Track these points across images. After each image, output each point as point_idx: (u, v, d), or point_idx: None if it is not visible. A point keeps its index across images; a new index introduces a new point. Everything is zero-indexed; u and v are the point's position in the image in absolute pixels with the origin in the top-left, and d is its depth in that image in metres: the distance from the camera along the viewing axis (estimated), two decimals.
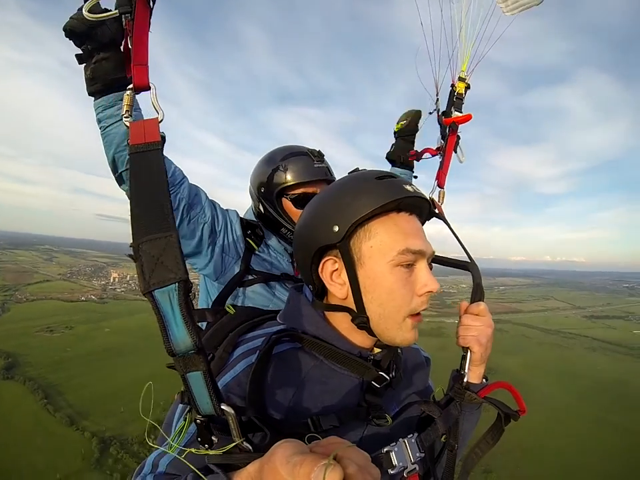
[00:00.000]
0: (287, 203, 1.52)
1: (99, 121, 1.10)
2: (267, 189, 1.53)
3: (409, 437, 0.81)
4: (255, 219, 1.64)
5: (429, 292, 0.81)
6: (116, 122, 1.08)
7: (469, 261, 1.03)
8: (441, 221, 1.15)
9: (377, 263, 0.79)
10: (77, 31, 0.88)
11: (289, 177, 1.49)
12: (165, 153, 0.96)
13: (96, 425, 47.18)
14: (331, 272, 0.83)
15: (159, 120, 0.68)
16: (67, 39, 0.92)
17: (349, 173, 0.91)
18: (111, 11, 0.80)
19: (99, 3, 0.83)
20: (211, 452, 0.60)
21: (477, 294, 0.98)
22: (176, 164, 1.38)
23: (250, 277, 1.49)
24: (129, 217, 0.57)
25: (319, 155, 1.54)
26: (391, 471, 0.76)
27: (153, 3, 0.74)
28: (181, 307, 0.53)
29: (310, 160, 1.51)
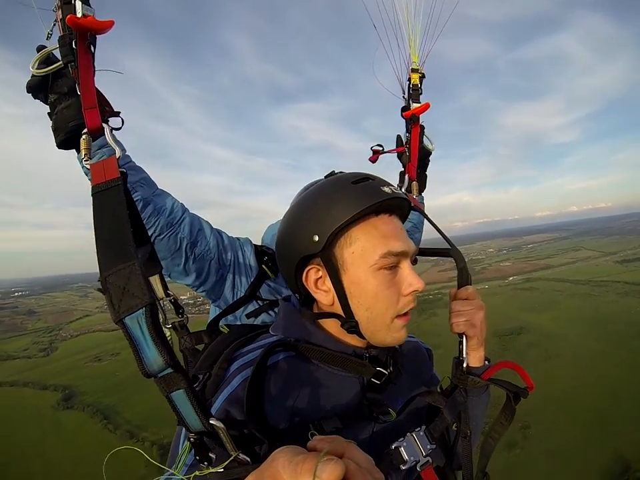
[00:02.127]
0: None
1: (87, 175, 1.05)
2: None
3: (416, 430, 0.80)
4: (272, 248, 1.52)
5: (414, 291, 0.81)
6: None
7: (450, 247, 1.03)
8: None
9: (359, 268, 0.79)
10: (31, 85, 0.90)
11: None
12: (170, 192, 1.22)
13: (154, 434, 50.61)
14: (315, 280, 0.83)
15: (117, 157, 0.70)
16: (34, 99, 0.94)
17: (325, 177, 0.91)
18: (58, 61, 0.81)
19: (50, 55, 0.85)
20: (213, 470, 0.60)
21: (463, 278, 0.97)
22: (175, 197, 1.31)
23: (255, 305, 1.42)
24: (95, 253, 0.58)
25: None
26: (402, 467, 0.75)
27: (94, 48, 0.76)
28: (149, 329, 0.55)
29: None
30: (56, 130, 0.94)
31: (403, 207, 0.88)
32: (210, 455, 0.61)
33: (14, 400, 65.00)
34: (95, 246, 0.59)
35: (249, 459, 0.60)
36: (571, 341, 66.60)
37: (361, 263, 0.79)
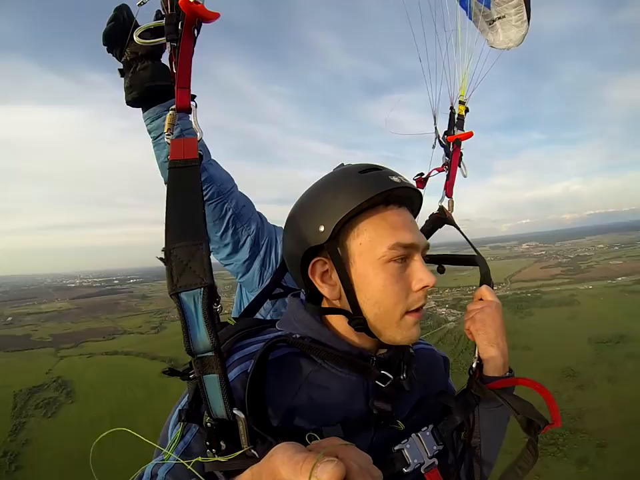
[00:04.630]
0: None
1: (150, 132, 1.17)
2: None
3: (423, 429, 0.77)
4: None
5: (425, 287, 0.77)
6: (163, 133, 1.09)
7: (476, 254, 1.03)
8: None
9: (367, 260, 0.76)
10: (108, 34, 0.97)
11: None
12: (218, 161, 1.28)
13: None
14: (321, 273, 0.80)
15: (198, 139, 0.73)
16: (108, 52, 1.02)
17: (334, 169, 0.88)
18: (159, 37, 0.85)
19: (147, 30, 0.88)
20: (219, 459, 0.58)
21: (485, 282, 0.97)
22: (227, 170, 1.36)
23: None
24: (164, 224, 0.60)
25: None
26: (405, 470, 0.71)
27: (198, 33, 0.79)
28: (204, 310, 0.55)
29: None
30: (130, 87, 1.04)
31: (413, 199, 0.85)
32: (220, 443, 0.60)
33: (128, 366, 78.11)
34: (165, 217, 0.60)
35: (257, 455, 0.58)
36: None
37: (369, 254, 0.75)
